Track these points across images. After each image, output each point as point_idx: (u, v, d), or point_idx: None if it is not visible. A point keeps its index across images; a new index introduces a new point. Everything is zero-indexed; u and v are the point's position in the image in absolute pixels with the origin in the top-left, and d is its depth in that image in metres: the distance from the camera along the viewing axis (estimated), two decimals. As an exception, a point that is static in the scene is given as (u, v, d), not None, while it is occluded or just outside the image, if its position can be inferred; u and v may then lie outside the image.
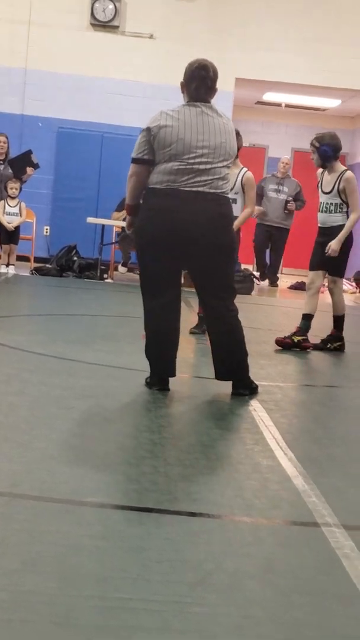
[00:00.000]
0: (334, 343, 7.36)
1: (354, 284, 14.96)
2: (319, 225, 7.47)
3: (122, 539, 2.75)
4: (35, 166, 12.49)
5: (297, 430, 4.43)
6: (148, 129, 4.84)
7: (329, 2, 14.17)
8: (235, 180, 7.42)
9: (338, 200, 7.25)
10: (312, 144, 7.31)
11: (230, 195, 7.38)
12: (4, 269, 12.21)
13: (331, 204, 7.29)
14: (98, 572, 2.49)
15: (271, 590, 2.47)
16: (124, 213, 12.58)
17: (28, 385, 4.98)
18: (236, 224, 7.29)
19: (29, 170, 12.41)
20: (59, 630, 2.14)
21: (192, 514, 3.04)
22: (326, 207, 7.32)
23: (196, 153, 4.80)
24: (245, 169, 7.56)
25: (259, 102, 16.92)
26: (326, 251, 7.18)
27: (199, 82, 4.91)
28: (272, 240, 14.52)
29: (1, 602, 2.25)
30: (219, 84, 5.05)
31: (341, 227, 7.24)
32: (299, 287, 13.88)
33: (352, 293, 14.51)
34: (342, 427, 4.71)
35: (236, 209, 7.44)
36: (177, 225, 4.80)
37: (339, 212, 7.27)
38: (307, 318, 7.28)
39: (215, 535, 2.89)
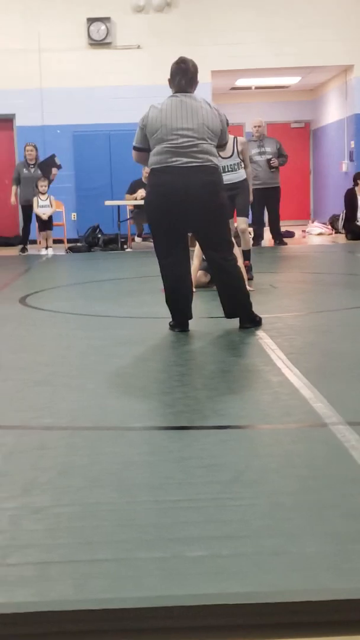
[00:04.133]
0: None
1: (329, 226, 14.66)
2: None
3: (167, 453, 2.70)
4: (59, 167, 12.45)
5: (298, 350, 4.34)
6: (140, 123, 4.82)
7: None
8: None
9: (238, 160, 7.32)
10: None
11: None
12: (44, 252, 12.18)
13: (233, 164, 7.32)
14: (149, 481, 2.45)
15: (292, 480, 2.42)
16: (134, 195, 12.57)
17: (75, 340, 4.94)
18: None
19: (54, 170, 12.37)
20: (124, 529, 2.10)
21: (221, 427, 2.99)
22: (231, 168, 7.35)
23: (179, 134, 4.68)
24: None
25: (233, 88, 16.57)
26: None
27: (181, 75, 4.81)
28: (266, 201, 12.06)
29: (74, 513, 2.22)
30: (198, 77, 4.93)
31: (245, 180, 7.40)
32: (284, 235, 13.57)
33: (328, 235, 14.27)
34: (334, 344, 4.63)
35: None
36: (174, 195, 4.70)
37: (240, 169, 7.37)
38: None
39: (242, 441, 2.84)
